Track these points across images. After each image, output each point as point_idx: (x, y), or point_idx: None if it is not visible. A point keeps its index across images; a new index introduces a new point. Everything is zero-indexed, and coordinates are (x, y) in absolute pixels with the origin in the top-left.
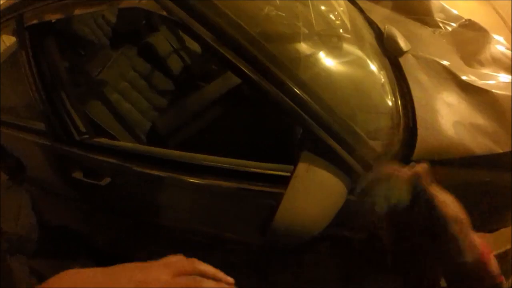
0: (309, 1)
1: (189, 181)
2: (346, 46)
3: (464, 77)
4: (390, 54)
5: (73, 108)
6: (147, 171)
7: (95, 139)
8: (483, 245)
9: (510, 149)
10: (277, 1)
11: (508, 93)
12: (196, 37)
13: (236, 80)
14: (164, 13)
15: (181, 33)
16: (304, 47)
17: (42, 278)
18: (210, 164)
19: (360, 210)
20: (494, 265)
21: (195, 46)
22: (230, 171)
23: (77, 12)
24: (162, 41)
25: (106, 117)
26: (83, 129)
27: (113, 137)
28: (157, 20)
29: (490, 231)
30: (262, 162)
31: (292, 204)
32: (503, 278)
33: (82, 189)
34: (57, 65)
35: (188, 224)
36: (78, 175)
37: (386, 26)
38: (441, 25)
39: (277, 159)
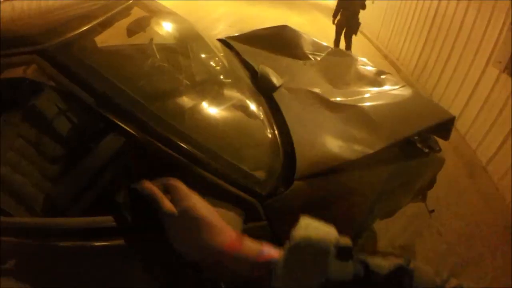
0: (189, 51)
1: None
2: (227, 92)
3: (334, 99)
4: (265, 91)
5: None
6: (52, 243)
7: None
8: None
9: (381, 147)
10: (158, 54)
11: (372, 103)
12: (81, 103)
13: None
14: (51, 82)
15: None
16: (186, 100)
17: None
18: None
19: (263, 234)
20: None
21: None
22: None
23: None
24: (47, 103)
25: None
26: None
27: (8, 214)
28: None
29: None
30: None
31: None
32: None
33: None
34: None
35: None
36: None
37: (259, 66)
38: (311, 56)
39: None
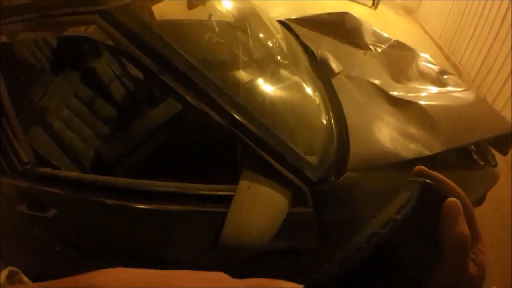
0: (248, 29)
1: (138, 207)
2: (284, 72)
3: (394, 93)
4: (324, 76)
5: (15, 136)
6: (94, 199)
7: (39, 169)
8: None
9: (438, 151)
10: (217, 29)
11: (433, 102)
12: (140, 66)
13: (179, 105)
14: (110, 42)
15: (123, 59)
16: (243, 74)
17: None
18: (158, 189)
19: (308, 220)
20: None
21: (137, 73)
22: (178, 194)
23: (20, 37)
24: (104, 67)
25: (48, 146)
26: (25, 159)
27: (57, 167)
28: (100, 45)
29: None
30: (210, 181)
31: (236, 220)
32: None
33: (28, 223)
34: None
35: (141, 251)
36: (22, 208)
37: (319, 50)
38: (371, 47)
39: (224, 178)
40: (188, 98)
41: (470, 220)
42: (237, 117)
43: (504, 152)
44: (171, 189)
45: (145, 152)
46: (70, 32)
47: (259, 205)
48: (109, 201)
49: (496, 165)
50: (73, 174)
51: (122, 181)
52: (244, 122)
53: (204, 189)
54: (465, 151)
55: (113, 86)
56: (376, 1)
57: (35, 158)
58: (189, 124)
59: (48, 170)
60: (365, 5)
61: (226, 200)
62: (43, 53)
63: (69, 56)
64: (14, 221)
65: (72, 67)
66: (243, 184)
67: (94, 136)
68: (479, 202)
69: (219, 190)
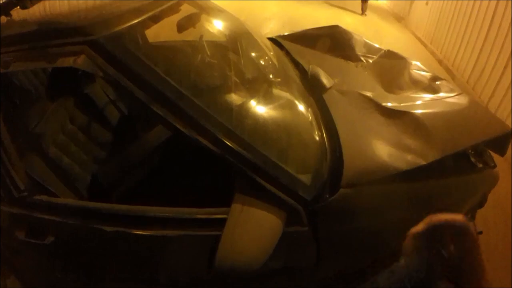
0: (239, 48)
1: (136, 234)
2: (276, 91)
3: (387, 104)
4: (315, 91)
5: (11, 163)
6: (92, 226)
7: (35, 197)
8: None
9: (434, 159)
10: (208, 51)
11: (426, 110)
12: (129, 95)
13: None
14: (100, 73)
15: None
16: (234, 97)
17: None
18: (153, 215)
19: (304, 239)
20: None
21: None
22: (175, 219)
23: (13, 68)
24: (98, 92)
25: (44, 173)
26: (22, 186)
27: (53, 193)
28: None
29: None
30: (205, 204)
31: (230, 243)
32: None
33: (27, 249)
34: None
35: (139, 276)
36: (20, 234)
37: (310, 66)
38: (363, 58)
39: (220, 200)
40: (178, 126)
41: (476, 253)
42: (228, 143)
43: (501, 153)
44: (165, 215)
45: (141, 175)
46: (60, 63)
47: (252, 228)
48: (108, 228)
49: (495, 166)
50: (69, 200)
51: (116, 207)
52: (236, 147)
53: (197, 213)
54: (462, 155)
55: (108, 110)
56: (363, 5)
57: (32, 184)
58: (183, 145)
59: (44, 197)
60: (354, 12)
61: (219, 224)
62: (38, 79)
63: (64, 81)
64: (14, 246)
65: (67, 93)
66: (236, 207)
67: (91, 161)
68: (480, 204)
69: (212, 213)
